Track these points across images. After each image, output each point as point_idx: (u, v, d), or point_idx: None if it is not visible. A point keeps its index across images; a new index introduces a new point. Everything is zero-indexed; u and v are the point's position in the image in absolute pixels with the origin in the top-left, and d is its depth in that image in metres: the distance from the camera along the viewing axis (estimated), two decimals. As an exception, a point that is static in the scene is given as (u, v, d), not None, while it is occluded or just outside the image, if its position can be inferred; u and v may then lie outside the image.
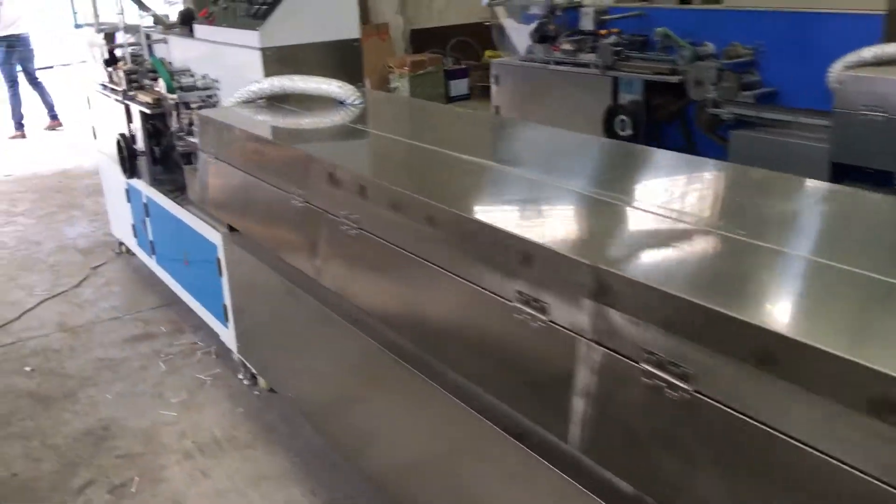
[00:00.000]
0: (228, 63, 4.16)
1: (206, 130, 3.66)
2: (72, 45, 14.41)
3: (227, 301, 4.04)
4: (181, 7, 4.82)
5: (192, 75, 4.60)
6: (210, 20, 4.36)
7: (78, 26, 5.68)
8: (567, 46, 5.35)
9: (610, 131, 4.93)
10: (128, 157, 4.84)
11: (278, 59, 3.83)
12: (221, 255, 3.96)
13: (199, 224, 4.18)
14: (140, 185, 5.07)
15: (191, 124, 4.29)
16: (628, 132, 4.87)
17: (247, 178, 3.37)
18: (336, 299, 2.90)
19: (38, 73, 11.24)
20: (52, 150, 10.23)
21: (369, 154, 3.08)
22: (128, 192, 5.50)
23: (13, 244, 6.70)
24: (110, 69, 5.33)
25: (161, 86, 4.52)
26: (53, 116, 11.33)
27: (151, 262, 5.32)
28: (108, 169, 5.87)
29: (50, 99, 11.26)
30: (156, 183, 4.86)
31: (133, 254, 6.01)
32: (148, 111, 4.58)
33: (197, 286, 4.51)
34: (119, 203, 5.80)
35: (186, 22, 4.75)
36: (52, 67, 12.25)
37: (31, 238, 6.83)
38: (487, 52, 13.00)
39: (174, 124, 4.46)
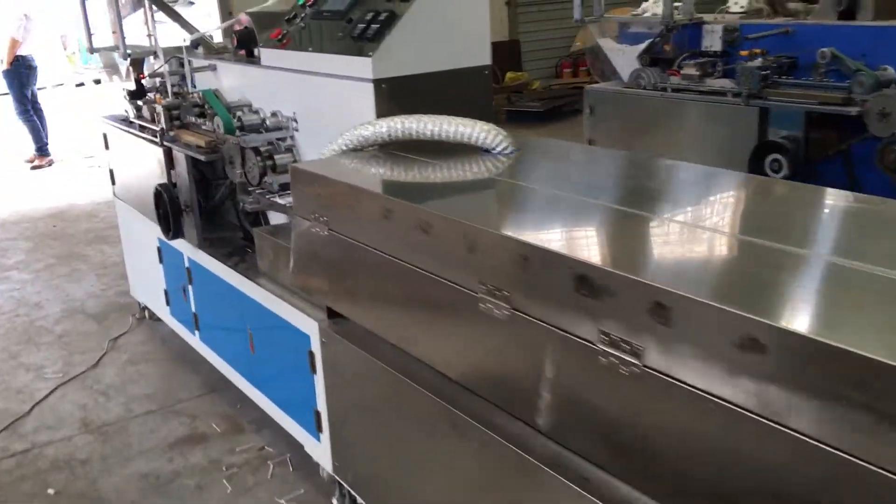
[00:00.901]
0: (316, 97, 3.23)
1: (304, 188, 2.72)
2: (62, 63, 13.49)
3: (322, 407, 3.07)
4: (236, 25, 3.87)
5: (256, 111, 3.65)
6: (283, 43, 3.42)
7: (94, 51, 4.69)
8: (690, 71, 4.48)
9: (758, 172, 4.07)
10: (171, 213, 3.86)
11: (394, 93, 2.90)
12: (317, 347, 3.00)
13: (281, 306, 3.22)
14: (183, 245, 4.08)
15: (263, 174, 3.34)
16: (784, 173, 4.01)
17: (366, 252, 2.44)
18: (481, 407, 2.16)
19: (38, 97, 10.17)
20: (41, 188, 9.16)
21: (550, 218, 2.15)
22: (161, 250, 4.51)
23: (9, 308, 5.66)
24: (139, 102, 4.36)
25: (217, 123, 3.56)
26: (43, 151, 10.17)
27: (192, 339, 4.33)
28: (130, 220, 4.89)
29: (46, 129, 10.15)
30: (205, 244, 3.89)
31: (157, 319, 5.03)
32: (201, 157, 3.61)
33: (272, 382, 3.54)
34: (145, 261, 4.81)
35: (245, 45, 3.81)
36: (44, 88, 11.16)
37: (30, 299, 5.80)
38: (509, 75, 12.20)
39: (235, 174, 3.50)
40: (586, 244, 1.97)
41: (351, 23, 3.08)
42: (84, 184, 9.02)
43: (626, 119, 4.81)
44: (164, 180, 4.01)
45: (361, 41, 2.96)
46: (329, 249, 2.66)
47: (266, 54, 3.51)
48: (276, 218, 3.59)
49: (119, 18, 4.25)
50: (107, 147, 4.96)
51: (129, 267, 5.25)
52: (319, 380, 3.04)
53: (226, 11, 4.58)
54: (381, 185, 2.62)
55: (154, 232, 4.45)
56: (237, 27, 3.87)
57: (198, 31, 4.09)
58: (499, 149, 2.71)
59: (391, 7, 2.94)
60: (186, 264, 4.14)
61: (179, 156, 3.86)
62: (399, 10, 2.91)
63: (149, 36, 3.94)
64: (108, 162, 5.02)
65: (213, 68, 4.01)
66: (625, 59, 4.84)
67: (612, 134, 4.94)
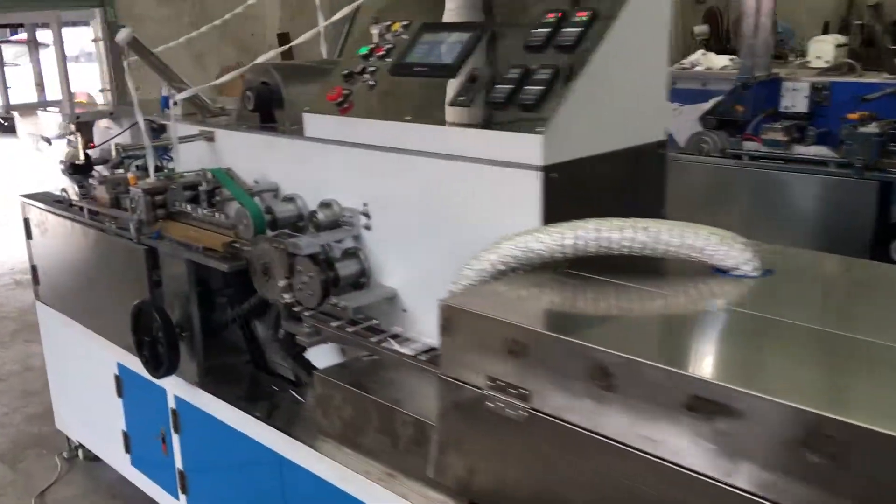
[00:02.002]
0: (415, 186, 2.24)
1: (470, 337, 1.73)
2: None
3: None
4: (246, 77, 2.83)
5: (291, 199, 2.62)
6: (346, 107, 2.42)
7: (11, 109, 3.48)
8: (775, 135, 3.78)
9: (882, 257, 3.39)
10: (165, 342, 2.72)
11: (564, 185, 1.97)
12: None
13: (366, 488, 2.16)
14: (169, 380, 2.93)
15: (326, 293, 2.31)
16: (918, 260, 3.36)
17: (596, 443, 1.50)
18: None
19: None
20: None
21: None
22: (121, 380, 3.33)
23: None
24: (91, 182, 3.22)
25: (242, 218, 2.50)
26: None
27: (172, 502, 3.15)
28: (64, 333, 3.67)
29: None
30: (207, 381, 2.78)
31: (95, 458, 3.80)
32: (223, 267, 2.53)
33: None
34: (89, 390, 3.60)
35: (266, 106, 2.77)
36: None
37: None
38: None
39: (273, 290, 2.45)
40: None
41: (476, 82, 2.13)
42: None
43: (688, 190, 4.05)
44: (141, 292, 2.88)
45: (508, 109, 2.02)
46: (517, 434, 1.67)
47: (317, 123, 2.49)
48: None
49: (64, 68, 3.11)
50: (28, 236, 3.72)
51: (58, 392, 3.97)
52: None
53: (116, 60, 3.34)
54: (616, 335, 1.67)
55: (111, 355, 3.28)
56: (243, 83, 2.83)
57: (185, 84, 2.99)
58: (745, 269, 1.82)
59: (550, 61, 2.02)
60: (172, 404, 2.99)
61: (170, 260, 2.75)
62: (565, 67, 1.99)
63: (135, 90, 2.81)
64: (29, 255, 3.77)
65: (209, 138, 2.93)
66: (680, 120, 4.10)
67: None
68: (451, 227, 2.15)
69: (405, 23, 2.47)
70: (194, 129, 2.97)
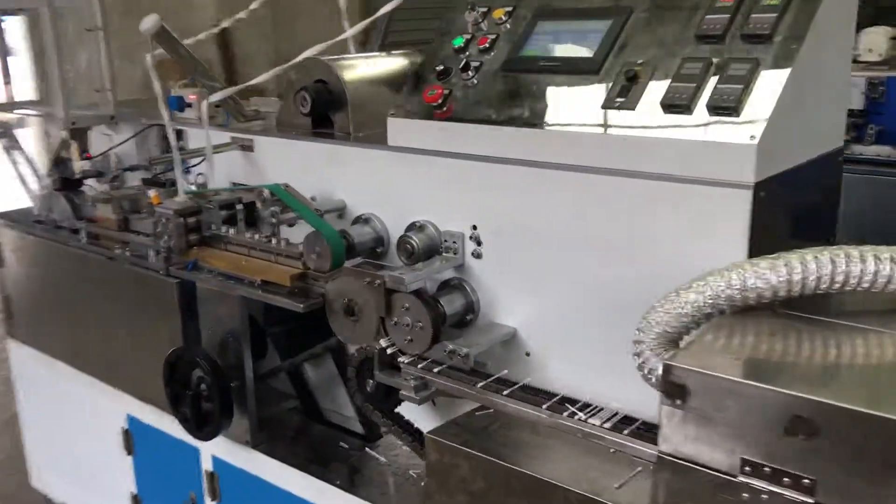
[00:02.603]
0: (542, 205, 1.84)
1: (712, 409, 1.35)
2: None
3: None
4: (292, 75, 2.36)
5: (365, 220, 2.18)
6: (445, 110, 2.00)
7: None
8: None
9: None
10: (218, 398, 2.23)
11: (772, 204, 1.61)
12: None
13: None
14: (222, 446, 2.44)
15: (436, 340, 1.89)
16: None
17: None
18: None
19: None
20: None
21: None
22: (131, 435, 2.81)
23: None
24: (88, 199, 2.70)
25: (318, 247, 2.06)
26: None
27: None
28: (36, 372, 3.12)
29: None
30: (260, 439, 2.32)
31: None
32: (297, 307, 2.07)
33: None
34: (78, 441, 3.06)
35: (323, 108, 2.32)
36: None
37: None
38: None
39: (361, 334, 2.01)
40: None
41: (637, 80, 1.74)
42: None
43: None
44: (169, 334, 2.38)
45: (689, 112, 1.65)
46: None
47: (411, 130, 2.06)
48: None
49: (59, 59, 2.57)
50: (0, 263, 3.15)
51: (36, 443, 3.39)
52: None
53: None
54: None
55: (117, 406, 2.77)
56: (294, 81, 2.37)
57: (217, 83, 2.50)
58: None
59: (738, 53, 1.65)
60: (208, 466, 2.51)
61: (215, 297, 2.27)
62: (767, 61, 1.62)
63: (160, 89, 2.30)
64: (0, 285, 3.19)
65: (245, 146, 2.46)
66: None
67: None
68: (605, 257, 1.77)
69: (509, 9, 2.06)
70: (225, 136, 2.50)
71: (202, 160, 2.41)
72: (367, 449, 2.28)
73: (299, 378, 2.50)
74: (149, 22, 2.22)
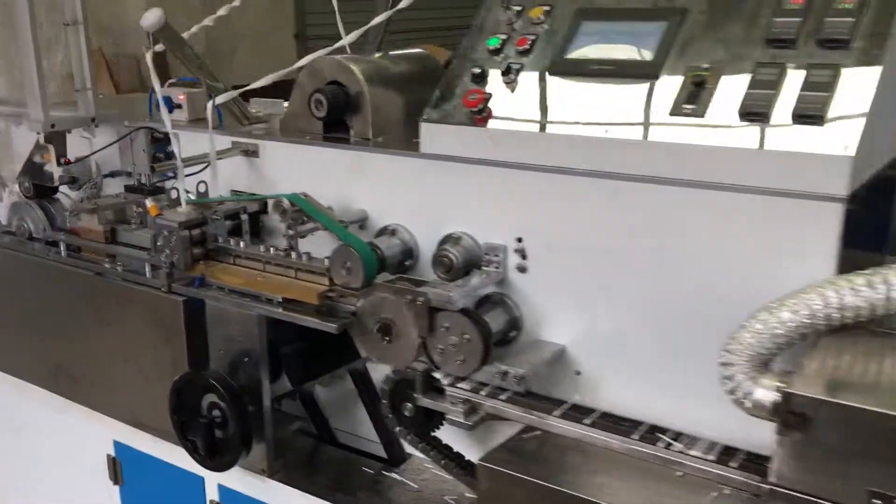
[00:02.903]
0: (600, 217, 1.75)
1: (836, 439, 1.28)
2: None
3: None
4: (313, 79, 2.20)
5: (391, 232, 2.05)
6: (483, 116, 1.88)
7: None
8: None
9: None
10: (237, 426, 2.06)
11: (860, 215, 1.55)
12: None
13: None
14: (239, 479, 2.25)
15: (486, 360, 1.78)
16: None
17: None
18: None
19: None
20: None
21: None
22: (116, 461, 2.60)
23: None
24: (65, 208, 2.49)
25: (350, 262, 1.91)
26: None
27: None
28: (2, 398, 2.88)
29: None
30: (279, 469, 2.15)
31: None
32: (330, 327, 1.91)
33: None
34: (51, 467, 2.82)
35: (339, 112, 2.17)
36: None
37: None
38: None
39: (399, 356, 1.88)
40: None
41: (702, 85, 1.66)
42: None
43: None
44: (172, 355, 2.19)
45: (766, 121, 1.57)
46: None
47: (448, 137, 1.93)
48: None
49: (37, 55, 2.33)
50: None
51: (2, 477, 3.12)
52: None
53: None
54: None
55: (101, 430, 2.57)
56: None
57: (220, 84, 2.31)
58: None
59: (814, 59, 1.59)
60: (213, 496, 2.33)
61: (228, 316, 2.09)
62: (847, 67, 1.56)
63: (160, 89, 2.11)
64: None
65: (248, 152, 2.29)
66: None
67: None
68: (672, 272, 1.68)
69: (546, 8, 1.95)
70: (224, 141, 2.31)
71: (206, 166, 2.22)
72: (393, 473, 2.14)
73: (309, 398, 2.35)
74: (152, 17, 2.02)
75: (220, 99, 2.17)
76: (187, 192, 2.31)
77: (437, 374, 1.87)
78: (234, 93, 2.19)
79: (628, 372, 1.79)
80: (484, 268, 1.92)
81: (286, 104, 2.37)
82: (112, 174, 2.62)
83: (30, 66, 2.32)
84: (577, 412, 1.80)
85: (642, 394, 1.77)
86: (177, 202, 2.28)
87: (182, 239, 2.12)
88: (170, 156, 2.45)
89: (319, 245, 2.07)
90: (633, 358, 1.77)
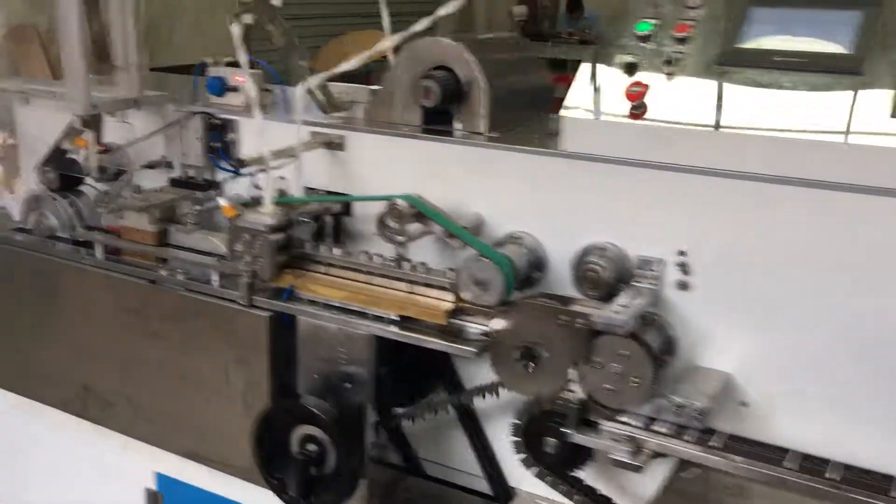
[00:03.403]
0: (792, 231, 1.53)
1: None
2: None
3: None
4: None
5: (516, 239, 1.79)
6: (640, 112, 1.65)
7: None
8: None
9: None
10: (342, 463, 1.76)
11: None
12: None
13: None
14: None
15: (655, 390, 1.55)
16: None
17: None
18: None
19: None
20: None
21: None
22: (157, 495, 2.27)
23: None
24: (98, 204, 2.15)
25: (479, 274, 1.65)
26: None
27: None
28: (19, 425, 2.50)
29: None
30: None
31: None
32: (470, 353, 1.65)
33: None
34: (77, 499, 2.47)
35: (449, 104, 1.90)
36: None
37: None
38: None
39: (546, 383, 1.64)
40: None
41: (923, 83, 1.46)
42: None
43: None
44: (249, 377, 1.89)
45: None
46: None
47: (600, 132, 1.69)
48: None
49: (81, 27, 1.98)
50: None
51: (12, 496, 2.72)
52: None
53: None
54: None
55: (139, 460, 2.23)
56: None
57: (305, 64, 2.00)
58: None
59: None
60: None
61: (329, 336, 1.80)
62: None
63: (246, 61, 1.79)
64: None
65: (332, 144, 1.99)
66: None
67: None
68: (874, 293, 1.48)
69: (703, -9, 1.73)
70: (303, 132, 2.01)
71: (285, 162, 1.92)
72: (508, 511, 1.90)
73: (396, 427, 2.07)
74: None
75: (312, 80, 1.86)
76: (257, 188, 2.00)
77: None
78: (326, 74, 1.88)
79: (815, 404, 1.58)
80: (635, 283, 1.69)
81: (372, 89, 2.08)
82: (151, 165, 2.27)
83: (70, 35, 1.97)
84: (767, 451, 1.58)
85: (832, 429, 1.57)
86: (252, 202, 1.96)
87: (269, 244, 1.82)
88: (228, 146, 2.14)
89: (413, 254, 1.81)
90: (823, 388, 1.56)
